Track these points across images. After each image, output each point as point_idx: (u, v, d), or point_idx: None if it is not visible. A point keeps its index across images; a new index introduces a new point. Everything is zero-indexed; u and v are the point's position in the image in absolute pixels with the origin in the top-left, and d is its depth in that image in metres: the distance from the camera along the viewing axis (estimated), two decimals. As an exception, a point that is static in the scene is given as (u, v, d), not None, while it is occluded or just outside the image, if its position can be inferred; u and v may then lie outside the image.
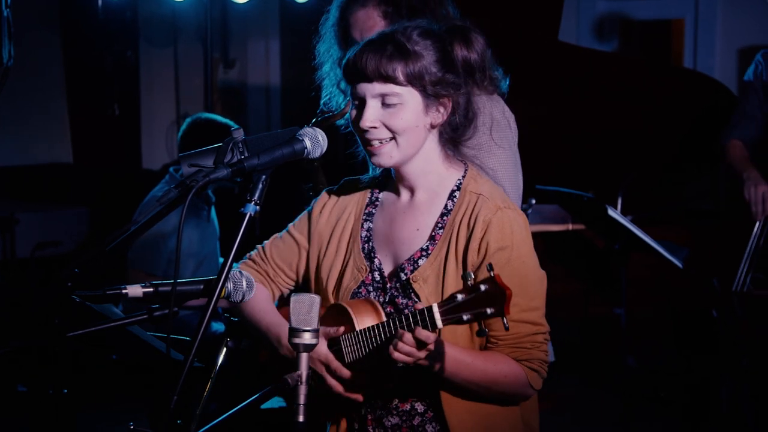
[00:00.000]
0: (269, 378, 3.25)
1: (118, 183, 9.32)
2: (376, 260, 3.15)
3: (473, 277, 2.67)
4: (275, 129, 6.54)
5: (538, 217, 6.72)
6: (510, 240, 2.98)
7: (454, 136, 3.08)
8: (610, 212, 5.84)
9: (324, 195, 3.32)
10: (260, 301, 3.28)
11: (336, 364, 3.01)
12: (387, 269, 3.13)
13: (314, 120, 4.18)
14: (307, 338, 2.73)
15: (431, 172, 3.09)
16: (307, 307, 2.74)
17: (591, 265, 6.69)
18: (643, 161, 7.04)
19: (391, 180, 3.18)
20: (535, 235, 5.42)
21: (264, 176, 2.80)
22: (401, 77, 2.95)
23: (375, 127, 2.99)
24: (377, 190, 3.24)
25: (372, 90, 2.98)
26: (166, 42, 9.77)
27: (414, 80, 2.96)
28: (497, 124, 3.67)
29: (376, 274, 3.14)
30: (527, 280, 2.98)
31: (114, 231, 2.81)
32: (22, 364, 3.72)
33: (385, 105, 2.98)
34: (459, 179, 3.11)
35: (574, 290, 6.61)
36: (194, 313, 5.78)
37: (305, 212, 3.33)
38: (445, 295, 2.94)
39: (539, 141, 4.41)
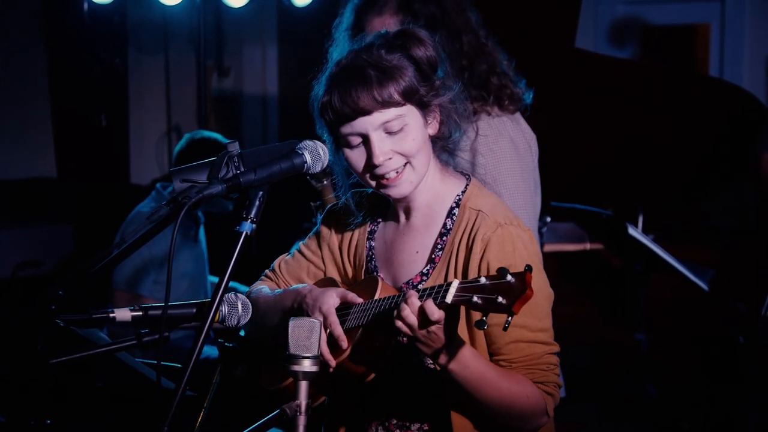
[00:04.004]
0: (267, 406, 3.26)
1: (104, 198, 9.31)
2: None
3: (508, 271, 2.64)
4: (272, 142, 6.55)
5: (554, 235, 6.72)
6: (512, 259, 2.97)
7: (446, 144, 3.12)
8: (631, 231, 5.85)
9: (330, 211, 3.37)
10: (267, 289, 3.36)
11: (334, 318, 3.01)
12: None
13: None
14: (306, 365, 2.74)
15: (428, 189, 3.11)
16: (306, 333, 2.75)
17: (609, 286, 6.69)
18: (666, 175, 7.04)
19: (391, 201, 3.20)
20: (550, 255, 5.44)
21: (261, 192, 2.81)
22: (398, 97, 2.96)
23: (390, 158, 3.00)
24: (380, 208, 3.27)
25: (373, 122, 2.98)
26: (156, 48, 9.79)
27: (410, 96, 2.98)
28: (517, 149, 3.70)
29: None
30: (534, 300, 2.94)
31: (101, 250, 2.82)
32: (2, 392, 3.72)
33: (389, 133, 2.99)
34: (458, 195, 3.13)
35: (591, 314, 6.61)
36: (186, 337, 5.79)
37: (314, 232, 3.38)
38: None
39: (555, 154, 4.42)
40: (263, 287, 3.39)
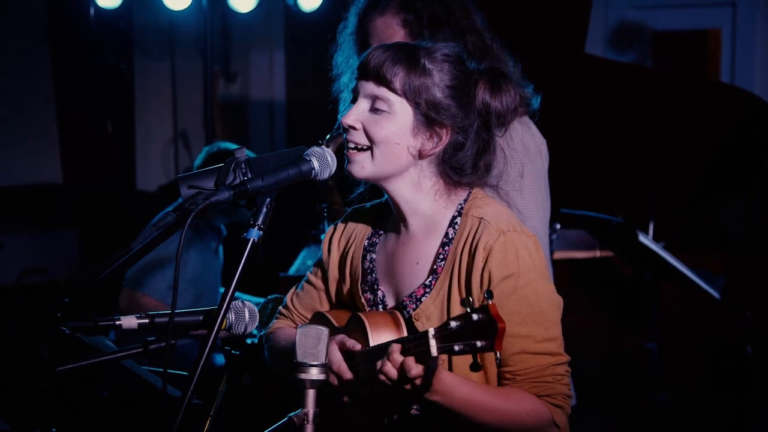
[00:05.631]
0: (274, 414, 3.26)
1: (110, 205, 9.33)
2: (379, 293, 3.17)
3: (471, 302, 2.62)
4: (280, 148, 6.54)
5: (563, 243, 6.72)
6: (515, 266, 2.94)
7: (456, 179, 3.06)
8: (641, 238, 5.84)
9: (330, 230, 3.36)
10: (288, 329, 3.35)
11: (349, 376, 2.98)
12: (390, 303, 3.15)
13: (329, 135, 4.20)
14: (314, 373, 2.74)
15: (422, 200, 3.07)
16: (314, 341, 2.75)
17: (620, 295, 6.69)
18: (676, 182, 7.03)
19: (391, 209, 3.18)
20: (560, 263, 5.40)
21: (268, 199, 2.81)
22: (398, 84, 2.96)
23: (355, 129, 3.01)
24: (381, 221, 3.25)
25: (366, 89, 3.01)
26: (162, 54, 9.80)
27: (409, 93, 2.97)
28: (528, 154, 3.69)
29: (380, 308, 3.16)
30: (539, 308, 2.95)
31: (107, 257, 2.82)
32: (6, 401, 3.72)
33: (373, 109, 3.00)
34: (461, 203, 3.09)
35: (601, 322, 6.60)
36: (193, 344, 5.79)
37: (317, 259, 3.38)
38: None
39: (564, 161, 4.41)
40: (280, 328, 3.39)
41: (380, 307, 3.15)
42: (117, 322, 2.89)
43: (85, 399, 3.68)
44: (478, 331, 2.58)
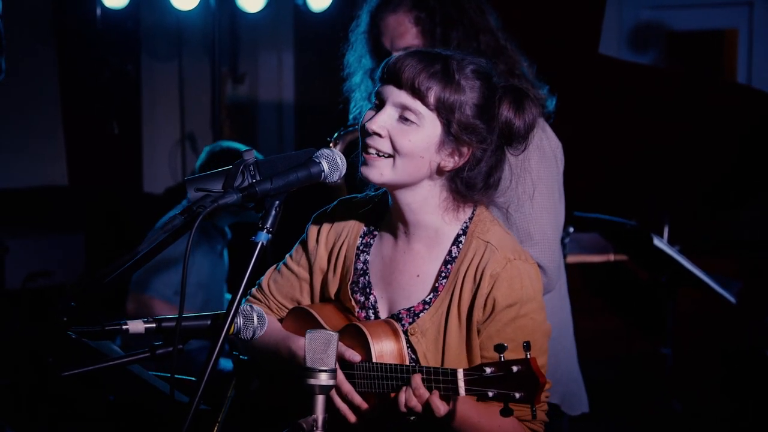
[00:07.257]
0: (282, 420, 3.26)
1: (116, 207, 9.34)
2: (371, 297, 3.16)
3: (506, 348, 2.68)
4: (288, 150, 6.55)
5: (577, 246, 6.70)
6: (519, 295, 2.98)
7: (466, 195, 3.05)
8: (656, 242, 5.84)
9: (317, 219, 3.32)
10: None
11: (348, 387, 3.00)
12: (382, 310, 3.15)
13: (337, 133, 4.18)
14: (323, 379, 2.73)
15: (429, 213, 3.07)
16: (323, 345, 2.75)
17: (634, 299, 6.68)
18: (692, 185, 7.03)
19: (389, 209, 3.17)
20: (573, 266, 5.41)
21: (277, 202, 2.80)
22: (432, 99, 2.94)
23: (380, 136, 2.98)
24: (375, 219, 3.23)
25: (397, 97, 2.97)
26: (170, 54, 9.81)
27: (442, 109, 2.94)
28: (543, 156, 3.68)
29: (371, 312, 3.15)
30: (533, 338, 2.95)
31: (114, 260, 2.82)
32: (12, 406, 3.73)
33: (401, 119, 2.97)
34: (465, 221, 3.09)
35: (615, 326, 6.60)
36: (201, 349, 5.79)
37: (300, 241, 3.33)
38: (446, 352, 3.01)
39: (578, 163, 4.41)
40: None
41: (371, 311, 3.15)
42: (124, 327, 2.89)
43: (92, 404, 3.68)
44: (516, 382, 2.67)
